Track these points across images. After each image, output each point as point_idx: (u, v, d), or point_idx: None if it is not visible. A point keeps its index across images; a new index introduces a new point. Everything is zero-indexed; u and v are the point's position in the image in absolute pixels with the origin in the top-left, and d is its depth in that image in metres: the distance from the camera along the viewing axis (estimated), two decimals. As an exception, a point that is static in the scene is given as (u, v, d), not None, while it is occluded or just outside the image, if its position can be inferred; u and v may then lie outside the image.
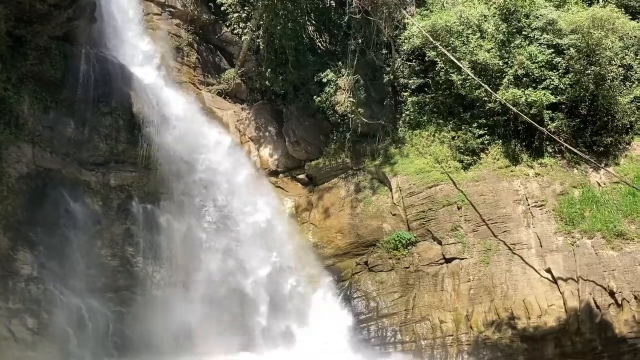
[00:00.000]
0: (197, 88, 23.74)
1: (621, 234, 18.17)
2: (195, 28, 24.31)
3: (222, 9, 23.58)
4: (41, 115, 17.66)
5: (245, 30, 23.46)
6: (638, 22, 20.98)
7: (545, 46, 20.93)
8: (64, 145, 18.07)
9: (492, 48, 21.05)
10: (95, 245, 18.18)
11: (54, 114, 17.93)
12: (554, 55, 20.75)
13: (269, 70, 23.21)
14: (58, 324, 16.28)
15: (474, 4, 22.15)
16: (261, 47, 23.21)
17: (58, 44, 18.08)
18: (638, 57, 21.28)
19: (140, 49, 22.29)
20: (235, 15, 23.53)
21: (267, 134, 23.91)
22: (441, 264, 19.59)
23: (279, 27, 22.39)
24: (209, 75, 24.45)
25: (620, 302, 16.81)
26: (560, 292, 17.77)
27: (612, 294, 17.01)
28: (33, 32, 17.24)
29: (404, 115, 22.54)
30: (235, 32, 24.02)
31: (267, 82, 23.54)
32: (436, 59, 21.45)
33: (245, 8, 23.45)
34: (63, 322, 16.37)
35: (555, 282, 18.06)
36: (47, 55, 17.76)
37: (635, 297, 16.73)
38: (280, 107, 24.13)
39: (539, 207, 19.58)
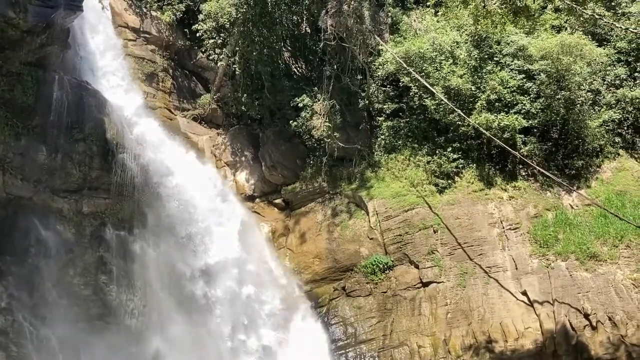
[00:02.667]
0: (172, 113, 23.66)
1: (594, 255, 18.40)
2: (171, 54, 24.33)
3: (197, 35, 23.69)
4: (12, 142, 17.37)
5: (221, 56, 23.57)
6: (604, 49, 21.56)
7: (517, 72, 21.38)
8: (36, 172, 17.77)
9: (464, 74, 21.44)
10: (67, 274, 17.82)
11: (25, 140, 17.65)
12: (525, 80, 21.20)
13: (245, 95, 23.30)
14: (27, 355, 15.83)
15: (446, 31, 22.59)
16: (237, 72, 23.31)
17: (30, 69, 17.90)
18: (605, 82, 21.82)
19: (115, 75, 22.16)
20: (211, 41, 23.65)
21: (243, 158, 23.84)
22: (418, 287, 19.59)
23: (254, 53, 22.54)
24: (185, 101, 24.42)
25: (595, 324, 16.94)
26: (537, 315, 17.86)
27: (586, 315, 17.15)
28: (4, 58, 17.07)
29: (379, 139, 22.72)
30: (210, 57, 24.11)
31: (243, 107, 23.60)
32: (410, 85, 21.76)
33: (221, 34, 23.59)
34: (32, 354, 15.93)
35: (532, 305, 18.16)
36: (19, 81, 17.58)
37: (610, 319, 16.88)
38: (256, 131, 24.14)
39: (513, 229, 19.77)
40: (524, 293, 18.37)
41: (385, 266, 20.21)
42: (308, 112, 21.84)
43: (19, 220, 17.25)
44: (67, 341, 16.85)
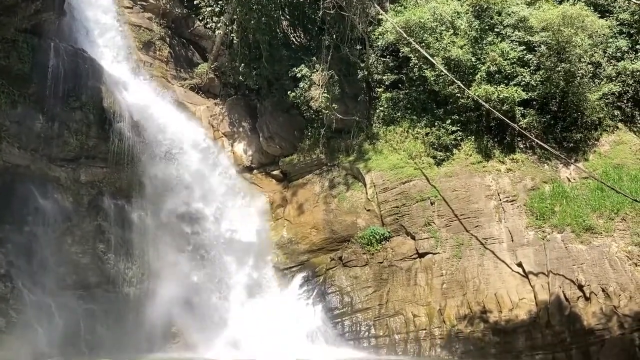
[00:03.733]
0: (170, 82, 23.49)
1: (590, 228, 18.49)
2: (168, 22, 24.06)
3: (195, 2, 23.41)
4: (9, 110, 17.27)
5: (218, 25, 23.28)
6: (606, 20, 21.35)
7: (517, 43, 21.22)
8: (33, 141, 17.71)
9: (465, 45, 21.26)
10: (65, 242, 17.88)
11: (21, 108, 17.56)
12: (525, 52, 21.05)
13: (243, 64, 23.07)
14: (27, 322, 15.96)
15: (447, 1, 22.32)
16: (235, 41, 23.06)
17: (26, 36, 17.68)
18: (606, 55, 21.67)
19: (111, 43, 21.93)
20: (209, 9, 23.35)
21: (240, 129, 23.75)
22: (414, 258, 19.74)
23: (252, 22, 22.26)
24: (182, 70, 24.24)
25: (588, 295, 17.11)
26: (531, 286, 18.01)
27: (580, 287, 17.31)
28: (-1, 24, 16.84)
29: (378, 111, 22.64)
30: (208, 26, 23.85)
31: (240, 77, 23.40)
32: (410, 55, 21.59)
33: (219, 2, 23.31)
34: (32, 320, 16.06)
35: (526, 276, 18.30)
36: (14, 49, 17.37)
37: (603, 290, 17.04)
38: (254, 102, 24.01)
39: (510, 202, 19.85)
40: (519, 264, 18.51)
41: (382, 237, 20.32)
42: (306, 83, 21.68)
43: (17, 188, 17.24)
44: (67, 308, 16.99)
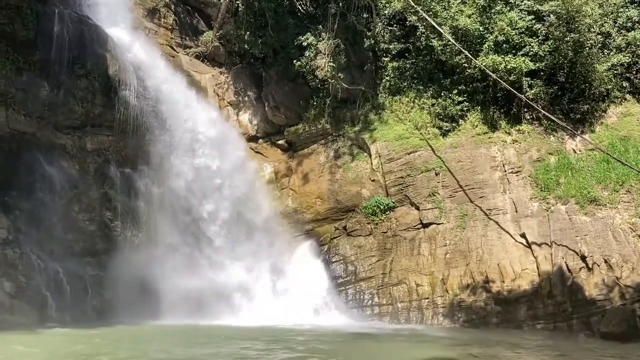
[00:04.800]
0: (174, 51, 23.33)
1: (594, 199, 18.51)
2: (173, -12, 23.74)
3: (200, -32, 23.05)
4: (14, 77, 17.25)
5: (224, -9, 22.99)
6: (617, -11, 21.00)
7: (526, 12, 20.94)
8: (39, 108, 17.73)
9: (473, 13, 21.00)
10: (72, 210, 18.06)
11: (27, 75, 17.52)
12: (534, 21, 20.76)
13: (248, 33, 22.83)
14: (36, 287, 16.23)
15: (455, -32, 21.93)
16: (240, 8, 22.77)
17: (30, 2, 17.53)
18: (616, 25, 21.34)
19: (115, 9, 21.71)
20: (214, -25, 23.02)
21: (246, 98, 23.68)
22: (418, 228, 19.87)
23: (258, -12, 21.96)
24: (187, 38, 24.03)
25: (591, 266, 17.22)
26: (534, 257, 18.15)
27: (583, 258, 17.41)
28: (3, -11, 16.69)
29: (384, 81, 22.48)
30: (213, -8, 23.53)
31: (246, 46, 23.18)
32: (417, 24, 21.34)
33: (224, -32, 22.94)
34: (41, 286, 16.32)
35: (530, 247, 18.42)
36: (19, 15, 17.23)
37: (606, 261, 17.14)
38: (259, 71, 23.85)
39: (515, 173, 19.85)
40: (523, 235, 18.61)
41: (386, 207, 20.42)
42: (312, 52, 21.49)
43: (24, 156, 17.32)
44: (75, 274, 17.26)
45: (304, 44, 21.58)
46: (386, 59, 22.54)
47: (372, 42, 22.28)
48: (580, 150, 20.31)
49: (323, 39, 21.37)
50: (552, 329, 16.98)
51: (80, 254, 17.90)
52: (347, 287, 19.69)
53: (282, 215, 21.84)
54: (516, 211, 19.10)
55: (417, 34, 21.60)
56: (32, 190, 17.18)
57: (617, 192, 18.62)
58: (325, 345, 13.23)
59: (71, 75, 18.39)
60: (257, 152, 23.44)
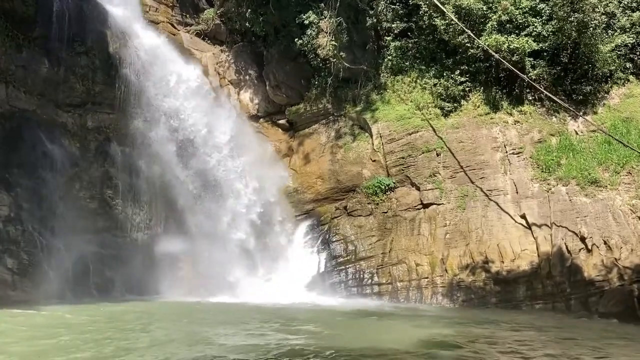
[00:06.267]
0: (175, 28, 23.15)
1: (595, 181, 18.51)
2: (173, -36, 23.47)
3: (201, -55, 22.76)
4: (14, 54, 17.20)
5: (225, -32, 22.74)
6: (623, -32, 20.74)
7: (530, -9, 20.70)
8: (39, 86, 17.69)
9: (476, -8, 20.75)
10: (73, 187, 18.14)
11: (27, 52, 17.47)
12: (538, 1, 20.55)
13: (249, 10, 22.64)
14: (38, 264, 16.35)
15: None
16: (241, -14, 22.57)
17: (29, -22, 17.41)
18: (621, 5, 21.13)
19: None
20: (215, -49, 22.75)
21: (247, 77, 23.56)
22: (419, 209, 19.91)
23: (259, -35, 21.73)
24: (187, 15, 23.82)
25: (590, 247, 17.29)
26: (534, 237, 18.19)
27: (583, 239, 17.47)
28: (2, -35, 16.55)
29: (386, 60, 22.32)
30: (214, -31, 23.27)
31: (247, 24, 22.99)
32: (420, 3, 21.16)
33: (225, -55, 22.66)
34: (43, 262, 16.45)
35: (530, 228, 18.45)
36: (18, -9, 17.12)
37: (605, 242, 17.20)
38: (260, 49, 23.69)
39: (516, 154, 19.82)
40: (523, 216, 18.63)
41: (387, 187, 20.44)
42: (314, 30, 21.32)
43: (25, 133, 17.33)
44: (76, 252, 17.36)
45: (306, 22, 21.39)
46: (388, 38, 22.36)
47: (375, 20, 22.10)
48: (582, 132, 20.25)
49: (325, 17, 21.17)
50: (551, 309, 17.08)
51: (82, 231, 17.96)
52: (347, 266, 19.79)
53: (283, 195, 21.86)
54: (517, 192, 19.11)
55: (420, 12, 21.42)
56: (34, 168, 17.22)
57: (618, 173, 18.61)
58: (324, 323, 13.34)
59: (71, 52, 18.33)
60: (258, 132, 23.36)
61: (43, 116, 17.78)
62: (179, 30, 23.15)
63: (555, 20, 20.27)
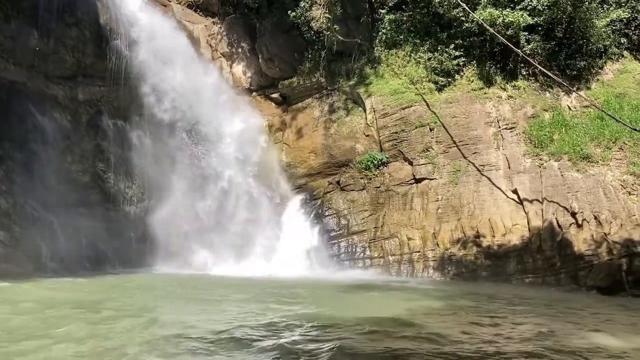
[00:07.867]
0: (167, -1, 22.83)
1: (587, 156, 18.59)
2: None
3: None
4: (2, 25, 16.89)
5: (217, -62, 22.34)
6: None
7: (526, -36, 20.47)
8: (29, 57, 17.43)
9: (472, -35, 20.51)
10: (65, 161, 18.01)
11: (15, 23, 17.15)
12: (534, -26, 20.35)
13: (242, -19, 22.36)
14: (31, 237, 16.28)
15: None
16: (234, -45, 22.23)
17: (16, -53, 17.03)
18: (618, -21, 20.98)
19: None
20: None
21: (239, 50, 23.33)
22: (411, 184, 19.97)
23: None
24: (179, -15, 23.47)
25: (580, 222, 17.43)
26: (525, 212, 18.32)
27: (573, 214, 17.60)
28: None
29: (380, 33, 22.14)
30: (206, -61, 22.86)
31: (240, -5, 22.73)
32: (415, -25, 20.88)
33: None
34: (36, 236, 16.37)
35: (521, 203, 18.56)
36: (5, -40, 16.76)
37: (595, 217, 17.34)
38: (253, 21, 23.43)
39: (509, 129, 19.84)
40: (515, 191, 18.73)
41: (380, 162, 20.47)
42: (307, 2, 21.10)
43: (15, 106, 17.11)
44: (69, 225, 17.30)
45: (299, -6, 21.15)
46: (383, 10, 22.16)
47: (369, -8, 21.86)
48: (575, 107, 20.26)
49: (319, -11, 20.91)
50: (541, 282, 17.27)
51: (74, 204, 17.91)
52: (340, 240, 19.91)
53: (276, 168, 21.85)
54: (509, 167, 19.18)
55: (415, -15, 21.20)
56: (25, 141, 17.07)
57: (610, 149, 18.69)
58: (316, 295, 13.46)
59: (61, 23, 18.04)
60: (251, 106, 23.21)
61: (33, 89, 17.54)
62: (170, 2, 22.83)
63: (551, -6, 20.11)
